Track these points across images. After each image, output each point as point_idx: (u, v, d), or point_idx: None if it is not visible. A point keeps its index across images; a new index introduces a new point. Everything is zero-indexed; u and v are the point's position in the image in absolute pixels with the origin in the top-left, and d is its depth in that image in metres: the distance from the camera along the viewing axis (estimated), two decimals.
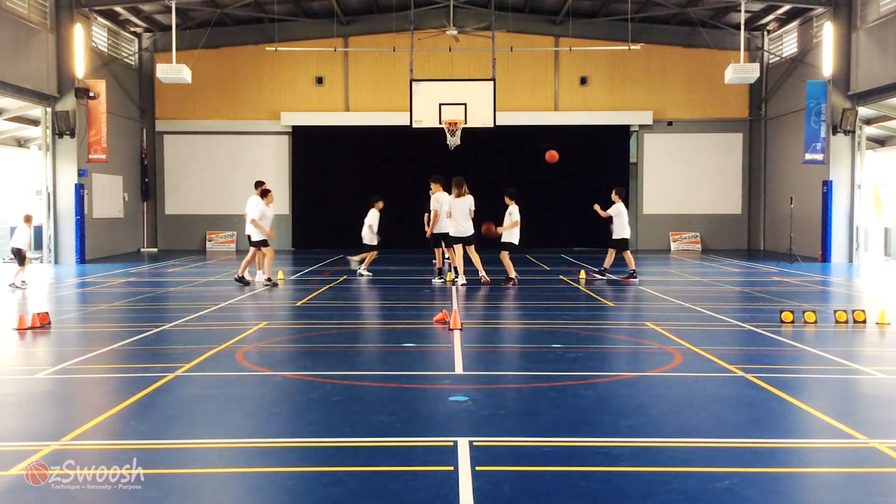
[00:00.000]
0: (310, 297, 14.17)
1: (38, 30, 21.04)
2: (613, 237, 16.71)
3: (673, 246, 28.06)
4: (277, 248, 17.62)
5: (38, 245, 23.87)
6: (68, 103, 21.90)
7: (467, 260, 15.90)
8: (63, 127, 21.81)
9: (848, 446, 5.50)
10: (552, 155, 16.97)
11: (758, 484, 4.73)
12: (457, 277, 15.75)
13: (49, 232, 22.23)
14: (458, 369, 7.94)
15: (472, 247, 15.81)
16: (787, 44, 26.38)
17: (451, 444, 5.38)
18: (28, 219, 16.76)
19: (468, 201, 15.61)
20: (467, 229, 15.60)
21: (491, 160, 26.58)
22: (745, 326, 10.64)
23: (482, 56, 25.63)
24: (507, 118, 23.35)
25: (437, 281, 16.31)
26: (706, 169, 28.23)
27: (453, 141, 20.49)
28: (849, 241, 22.59)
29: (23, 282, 15.86)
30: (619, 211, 16.44)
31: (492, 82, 20.77)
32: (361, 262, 17.83)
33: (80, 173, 22.28)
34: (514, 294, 14.62)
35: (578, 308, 13.10)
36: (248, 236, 16.11)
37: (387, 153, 27.15)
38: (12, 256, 16.58)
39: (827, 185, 22.47)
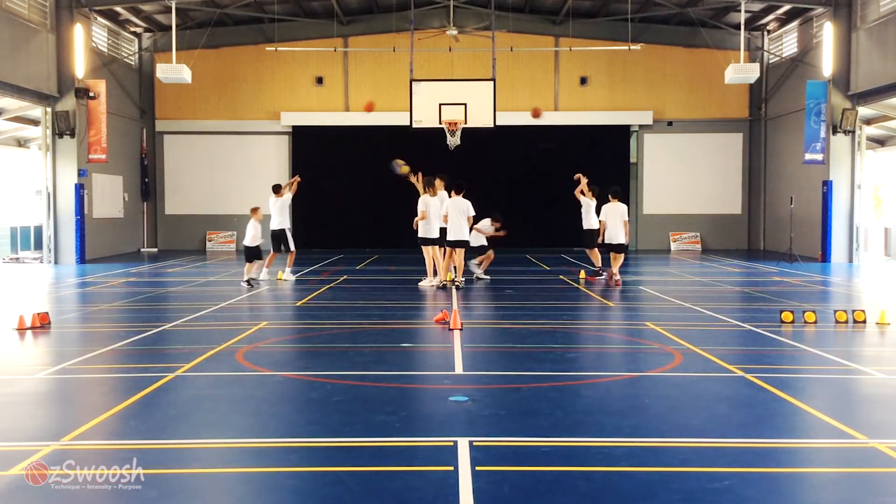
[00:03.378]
0: (310, 297, 14.17)
1: (38, 30, 21.02)
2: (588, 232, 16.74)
3: (673, 246, 28.05)
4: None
5: (38, 245, 23.89)
6: (68, 103, 21.88)
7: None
8: (63, 127, 21.79)
9: (848, 446, 5.50)
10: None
11: (758, 484, 4.73)
12: (456, 277, 15.73)
13: (49, 232, 22.20)
14: (458, 369, 7.94)
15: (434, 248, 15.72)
16: (787, 44, 26.37)
17: (451, 444, 5.38)
18: (255, 212, 16.03)
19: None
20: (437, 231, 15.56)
21: (491, 160, 26.57)
22: (744, 326, 10.64)
23: (482, 56, 25.61)
24: (507, 118, 23.35)
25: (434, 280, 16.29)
26: (706, 169, 28.21)
27: (453, 141, 20.49)
28: (849, 241, 22.56)
29: (255, 279, 15.55)
30: (588, 204, 16.50)
31: (492, 82, 20.75)
32: (479, 264, 17.47)
33: (80, 173, 22.26)
34: (514, 294, 14.62)
35: (578, 308, 13.11)
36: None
37: (387, 153, 27.07)
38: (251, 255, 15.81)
39: (827, 185, 22.46)
